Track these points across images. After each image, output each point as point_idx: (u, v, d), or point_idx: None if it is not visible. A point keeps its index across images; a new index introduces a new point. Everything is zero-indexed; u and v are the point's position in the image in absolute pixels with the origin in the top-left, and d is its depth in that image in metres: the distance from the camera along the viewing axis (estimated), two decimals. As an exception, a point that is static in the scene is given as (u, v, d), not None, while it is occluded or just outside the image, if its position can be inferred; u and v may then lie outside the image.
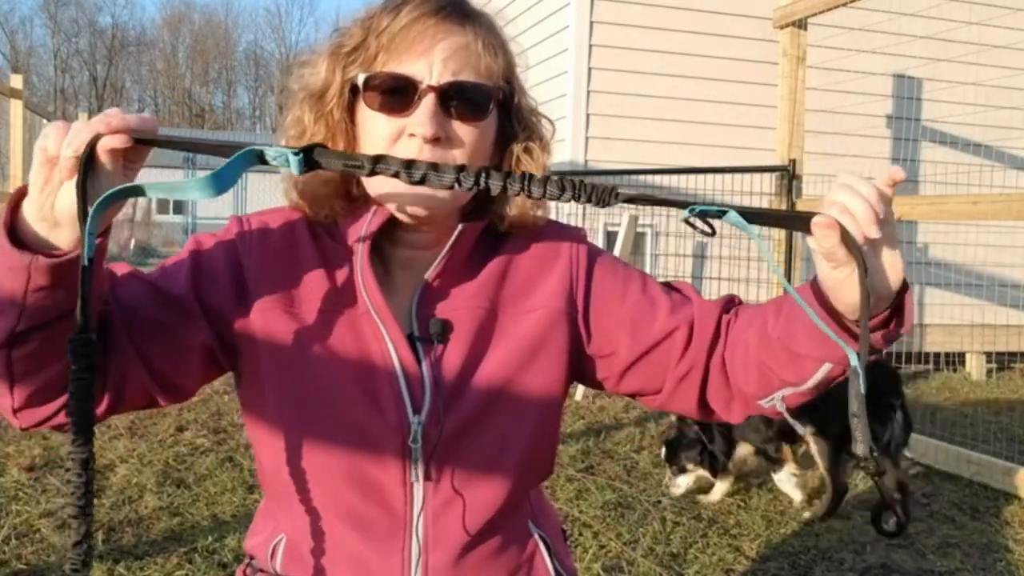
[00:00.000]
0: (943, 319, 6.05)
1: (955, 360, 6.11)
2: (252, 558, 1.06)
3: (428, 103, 0.90)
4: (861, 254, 0.79)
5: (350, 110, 0.96)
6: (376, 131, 0.92)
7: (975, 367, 6.07)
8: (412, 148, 0.90)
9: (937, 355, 6.00)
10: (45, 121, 10.87)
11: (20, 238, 0.77)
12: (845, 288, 0.82)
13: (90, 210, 0.74)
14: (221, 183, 0.76)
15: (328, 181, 0.96)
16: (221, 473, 3.13)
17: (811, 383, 0.91)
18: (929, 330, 6.05)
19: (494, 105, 0.95)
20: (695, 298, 1.03)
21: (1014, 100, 5.71)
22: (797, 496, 3.10)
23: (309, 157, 0.78)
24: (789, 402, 0.95)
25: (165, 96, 55.02)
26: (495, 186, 0.79)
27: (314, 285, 0.96)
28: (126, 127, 0.75)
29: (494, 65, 0.94)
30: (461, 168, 0.79)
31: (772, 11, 4.72)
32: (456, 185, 0.79)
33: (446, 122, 0.91)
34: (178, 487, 2.98)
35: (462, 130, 0.92)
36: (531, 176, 0.80)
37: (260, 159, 0.77)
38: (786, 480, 3.11)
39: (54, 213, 0.76)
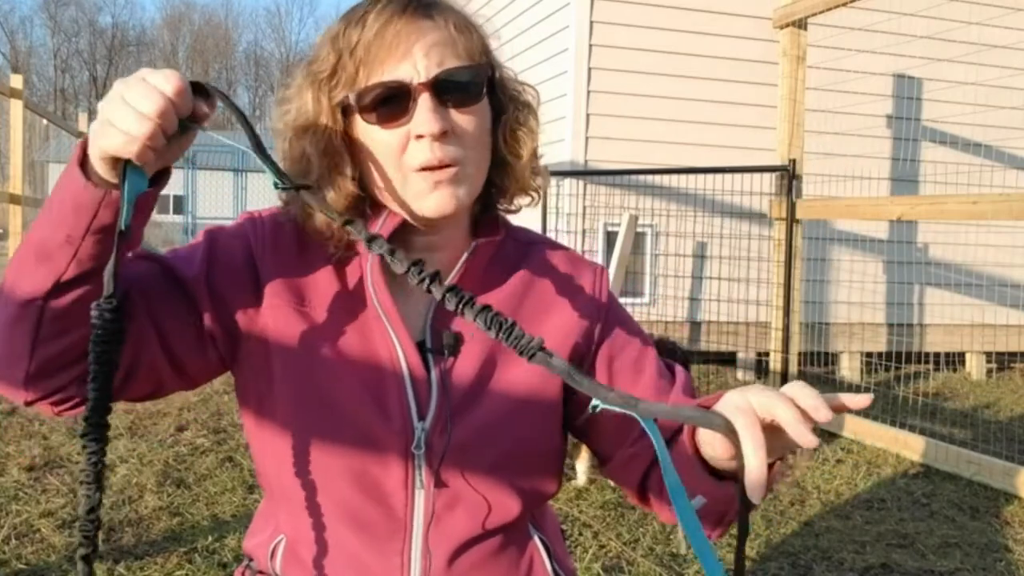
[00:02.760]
0: (943, 319, 6.05)
1: (955, 360, 6.11)
2: (251, 559, 1.06)
3: (425, 101, 0.89)
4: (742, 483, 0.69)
5: (347, 133, 0.94)
6: (383, 146, 0.91)
7: (975, 367, 6.07)
8: (424, 149, 0.89)
9: (937, 355, 6.01)
10: (45, 121, 10.87)
11: (88, 176, 0.78)
12: (717, 454, 0.79)
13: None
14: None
15: (345, 207, 0.93)
16: (221, 473, 3.13)
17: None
18: (929, 330, 6.06)
19: (485, 84, 0.94)
20: (678, 392, 1.00)
21: (1014, 100, 5.70)
22: (582, 479, 3.13)
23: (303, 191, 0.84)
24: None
25: (165, 96, 54.85)
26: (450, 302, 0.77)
27: (325, 285, 0.96)
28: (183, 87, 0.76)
29: (472, 45, 0.94)
30: (453, 288, 0.78)
31: (772, 11, 4.73)
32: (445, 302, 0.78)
33: (447, 115, 0.91)
34: (178, 487, 2.98)
35: (464, 119, 0.92)
36: (502, 319, 0.76)
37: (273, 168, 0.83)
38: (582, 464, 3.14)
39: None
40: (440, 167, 0.90)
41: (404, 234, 0.96)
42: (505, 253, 1.02)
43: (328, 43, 0.93)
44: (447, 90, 0.90)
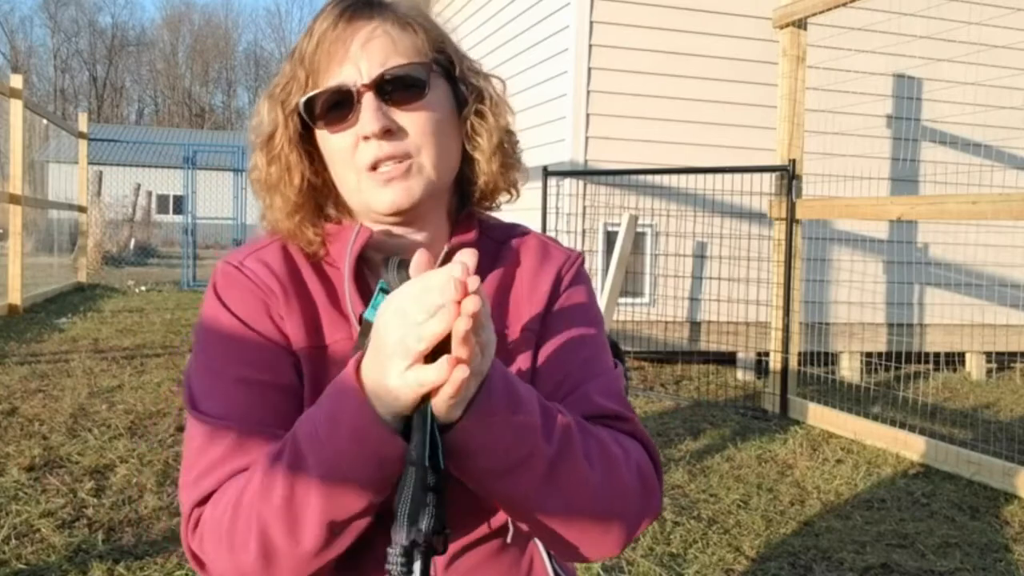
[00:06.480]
0: (943, 319, 6.05)
1: (955, 360, 6.12)
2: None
3: (368, 102, 0.90)
4: None
5: (310, 141, 0.96)
6: (336, 149, 0.93)
7: (975, 367, 6.07)
8: (371, 149, 0.91)
9: (937, 355, 6.01)
10: (45, 121, 10.86)
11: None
12: None
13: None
14: None
15: (292, 212, 0.96)
16: (221, 473, 3.13)
17: None
18: (929, 330, 6.06)
19: (433, 79, 0.94)
20: (596, 391, 0.97)
21: (1014, 100, 5.71)
22: None
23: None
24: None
25: (165, 96, 55.02)
26: None
27: (326, 314, 0.96)
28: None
29: (417, 40, 0.95)
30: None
31: (772, 11, 4.73)
32: None
33: (392, 113, 0.92)
34: (178, 487, 2.97)
35: (409, 117, 0.92)
36: None
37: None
38: None
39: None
40: (391, 160, 0.91)
41: (385, 241, 0.97)
42: (482, 253, 1.02)
43: (287, 58, 0.96)
44: (389, 89, 0.91)
